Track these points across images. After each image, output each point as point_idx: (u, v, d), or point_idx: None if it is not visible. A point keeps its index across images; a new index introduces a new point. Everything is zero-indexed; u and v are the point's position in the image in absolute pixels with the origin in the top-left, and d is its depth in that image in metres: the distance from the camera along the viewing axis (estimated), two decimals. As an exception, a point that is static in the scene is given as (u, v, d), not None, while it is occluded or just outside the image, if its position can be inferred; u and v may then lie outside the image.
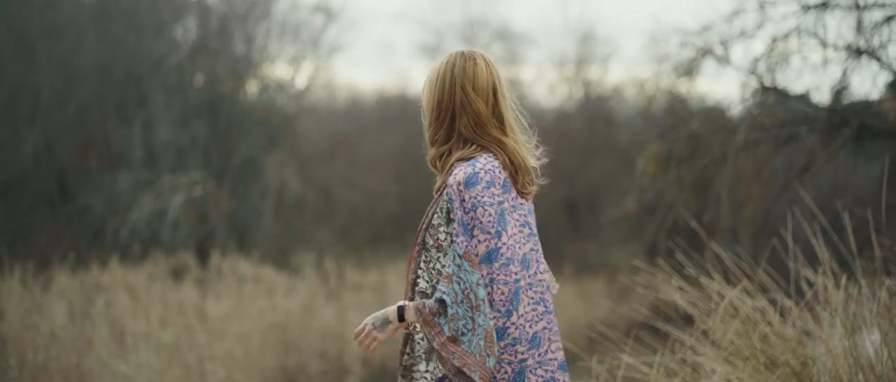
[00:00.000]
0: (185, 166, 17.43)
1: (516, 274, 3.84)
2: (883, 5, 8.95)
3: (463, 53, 3.98)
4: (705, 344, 5.93)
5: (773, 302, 6.03)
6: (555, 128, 21.91)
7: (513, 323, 3.82)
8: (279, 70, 19.88)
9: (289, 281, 14.63)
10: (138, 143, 17.24)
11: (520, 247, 3.88)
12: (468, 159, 3.89)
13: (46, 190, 17.14)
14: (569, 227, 21.11)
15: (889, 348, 5.54)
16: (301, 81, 20.15)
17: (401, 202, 20.77)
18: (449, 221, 3.86)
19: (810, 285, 6.09)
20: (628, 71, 25.86)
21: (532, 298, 3.88)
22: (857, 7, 9.04)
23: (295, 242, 18.63)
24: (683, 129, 11.11)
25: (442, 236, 3.88)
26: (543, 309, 3.91)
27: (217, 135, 18.16)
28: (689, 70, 11.13)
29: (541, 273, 3.95)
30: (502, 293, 3.81)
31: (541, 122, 22.05)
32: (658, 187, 11.35)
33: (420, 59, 25.37)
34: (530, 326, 3.85)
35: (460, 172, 3.82)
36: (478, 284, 3.76)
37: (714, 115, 12.35)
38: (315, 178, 20.09)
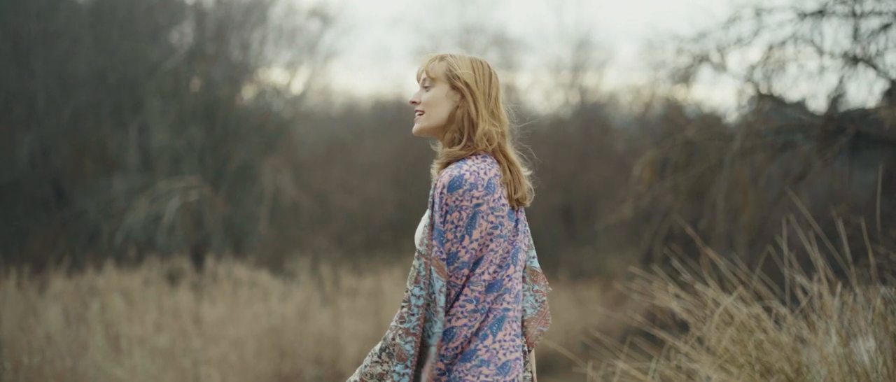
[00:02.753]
0: (180, 171, 17.42)
1: (466, 276, 3.84)
2: (879, 13, 8.96)
3: (486, 63, 4.04)
4: (700, 351, 5.94)
5: (768, 309, 6.03)
6: (551, 135, 21.92)
7: (485, 347, 3.83)
8: (275, 75, 19.90)
9: (284, 286, 14.64)
10: (134, 148, 17.24)
11: (483, 250, 3.86)
12: (457, 160, 3.92)
13: (42, 194, 17.13)
14: (564, 234, 21.11)
15: (884, 355, 5.55)
16: (297, 87, 20.17)
17: (397, 208, 20.76)
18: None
19: (805, 292, 6.10)
20: (624, 77, 25.89)
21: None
22: (854, 15, 9.05)
23: (290, 247, 18.63)
24: (679, 136, 11.11)
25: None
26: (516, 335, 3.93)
27: (213, 140, 18.15)
28: (685, 77, 11.13)
29: (509, 275, 3.92)
30: (467, 295, 3.84)
31: (536, 129, 22.11)
32: (654, 194, 11.35)
33: (416, 65, 25.35)
34: (505, 354, 3.86)
35: (446, 175, 3.84)
36: (440, 291, 3.78)
37: (710, 122, 12.35)
38: (311, 184, 20.09)
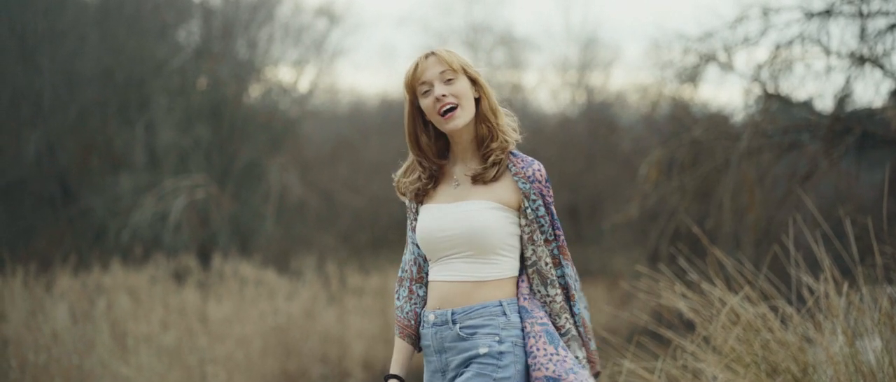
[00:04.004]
0: (187, 169, 17.44)
1: None
2: (886, 13, 8.95)
3: None
4: (707, 351, 5.93)
5: (774, 309, 6.03)
6: (557, 134, 21.91)
7: None
8: (282, 74, 19.91)
9: (290, 285, 14.63)
10: (141, 146, 17.26)
11: None
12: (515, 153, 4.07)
13: (48, 192, 17.15)
14: (571, 233, 21.08)
15: (890, 355, 5.54)
16: (304, 85, 20.18)
17: (403, 206, 20.70)
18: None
19: (812, 292, 6.09)
20: (631, 76, 25.85)
21: None
22: (861, 15, 9.04)
23: (297, 246, 18.63)
24: (686, 136, 11.11)
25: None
26: None
27: (219, 138, 18.17)
28: (692, 76, 11.13)
29: None
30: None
31: (543, 128, 22.03)
32: (660, 193, 11.35)
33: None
34: None
35: (541, 168, 4.02)
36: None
37: (717, 122, 12.34)
38: (317, 182, 20.10)
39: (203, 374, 10.71)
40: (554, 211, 4.01)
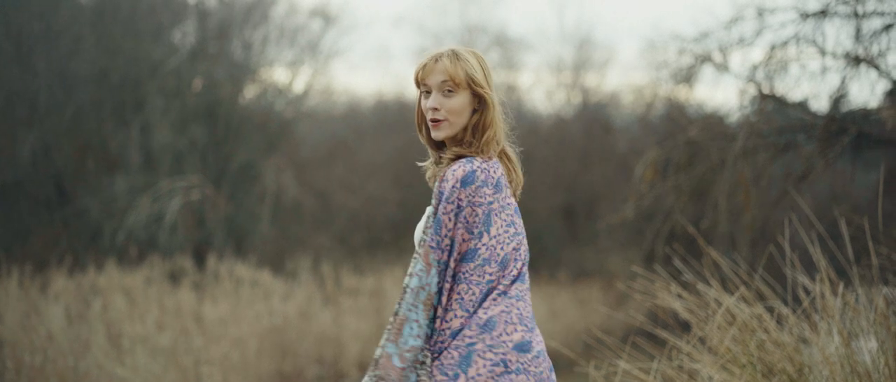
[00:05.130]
0: (182, 170, 17.43)
1: (491, 275, 3.88)
2: (881, 14, 8.96)
3: (484, 58, 4.11)
4: (702, 351, 5.94)
5: (770, 310, 6.03)
6: (552, 134, 21.92)
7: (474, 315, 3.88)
8: (277, 75, 19.90)
9: (286, 286, 14.64)
10: (136, 147, 17.24)
11: (502, 248, 3.90)
12: (465, 156, 3.95)
13: (44, 193, 17.14)
14: (566, 233, 21.10)
15: (886, 356, 5.55)
16: (299, 86, 20.17)
17: (399, 207, 20.75)
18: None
19: (807, 292, 6.10)
20: (626, 77, 25.87)
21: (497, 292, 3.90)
22: (856, 15, 9.04)
23: (292, 247, 18.63)
24: (681, 136, 11.11)
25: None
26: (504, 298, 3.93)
27: (215, 139, 18.16)
28: (687, 77, 11.13)
29: (517, 269, 3.95)
30: (473, 293, 3.86)
31: (538, 128, 22.02)
32: (656, 194, 11.34)
33: (417, 64, 25.28)
34: (484, 313, 3.86)
35: (459, 169, 3.87)
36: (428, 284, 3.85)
37: (712, 122, 12.34)
38: (313, 183, 20.10)
39: (198, 375, 10.71)
40: (440, 215, 3.87)
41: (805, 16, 9.36)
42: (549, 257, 18.84)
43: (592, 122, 22.46)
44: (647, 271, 6.90)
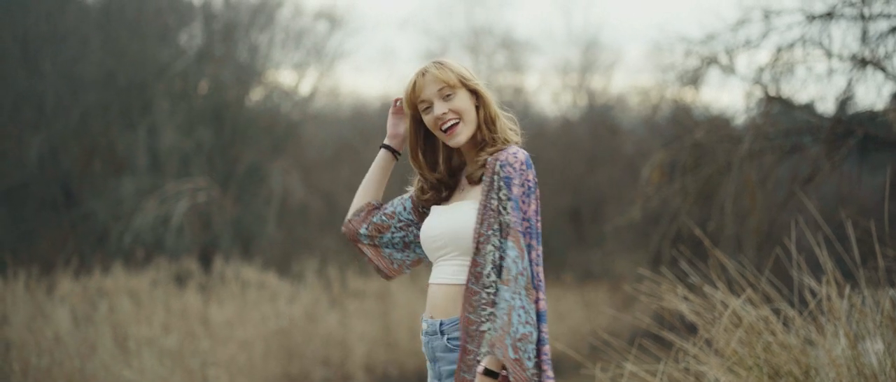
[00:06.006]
0: (189, 172, 17.44)
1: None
2: (888, 16, 8.95)
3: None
4: (709, 353, 5.94)
5: (776, 312, 6.03)
6: (559, 137, 21.91)
7: (542, 300, 3.89)
8: (283, 77, 19.90)
9: (292, 288, 14.64)
10: (143, 149, 17.26)
11: None
12: (508, 144, 4.01)
13: (51, 195, 17.15)
14: (573, 235, 21.09)
15: (892, 358, 5.54)
16: (305, 88, 20.17)
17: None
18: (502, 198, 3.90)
19: (814, 295, 6.09)
20: (632, 79, 25.83)
21: None
22: (863, 17, 9.03)
23: (298, 249, 18.63)
24: (688, 138, 11.10)
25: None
26: None
27: (221, 141, 18.17)
28: (693, 79, 11.12)
29: None
30: (538, 273, 3.90)
31: (545, 130, 22.02)
32: (662, 196, 11.34)
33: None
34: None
35: (519, 153, 3.92)
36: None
37: (718, 125, 12.33)
38: (319, 185, 20.10)
39: (205, 377, 10.72)
40: (517, 199, 3.86)
41: (811, 18, 9.35)
42: (555, 259, 18.81)
43: (599, 124, 22.45)
44: (653, 273, 6.90)
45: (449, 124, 4.00)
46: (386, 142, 4.40)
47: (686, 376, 5.96)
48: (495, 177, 3.89)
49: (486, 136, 4.03)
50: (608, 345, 6.73)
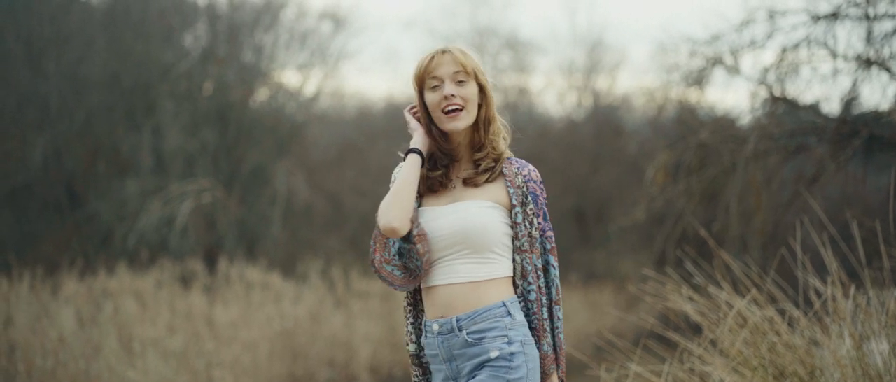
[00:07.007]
0: (193, 173, 17.44)
1: None
2: (893, 16, 8.94)
3: None
4: (714, 354, 5.93)
5: (781, 312, 6.02)
6: (564, 137, 21.90)
7: None
8: (288, 77, 19.89)
9: (296, 289, 14.63)
10: (147, 150, 17.26)
11: None
12: (499, 159, 4.10)
13: (55, 196, 17.16)
14: (577, 236, 21.08)
15: (898, 358, 5.53)
16: (310, 89, 20.17)
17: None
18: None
19: (819, 295, 6.09)
20: (637, 80, 25.81)
21: None
22: (867, 18, 9.03)
23: (303, 249, 18.62)
24: (693, 139, 11.10)
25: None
26: None
27: (226, 142, 18.17)
28: (698, 79, 11.13)
29: None
30: None
31: (549, 131, 21.98)
32: (667, 196, 11.34)
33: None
34: None
35: (535, 170, 4.09)
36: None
37: (723, 125, 12.33)
38: (324, 186, 20.10)
39: (210, 378, 10.71)
40: (546, 212, 4.07)
41: (816, 18, 9.35)
42: (559, 259, 18.80)
43: (603, 125, 22.45)
44: (658, 273, 6.90)
45: (453, 107, 4.00)
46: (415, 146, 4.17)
47: (691, 376, 5.96)
48: (521, 191, 4.01)
49: (481, 136, 4.05)
50: (613, 346, 6.73)
